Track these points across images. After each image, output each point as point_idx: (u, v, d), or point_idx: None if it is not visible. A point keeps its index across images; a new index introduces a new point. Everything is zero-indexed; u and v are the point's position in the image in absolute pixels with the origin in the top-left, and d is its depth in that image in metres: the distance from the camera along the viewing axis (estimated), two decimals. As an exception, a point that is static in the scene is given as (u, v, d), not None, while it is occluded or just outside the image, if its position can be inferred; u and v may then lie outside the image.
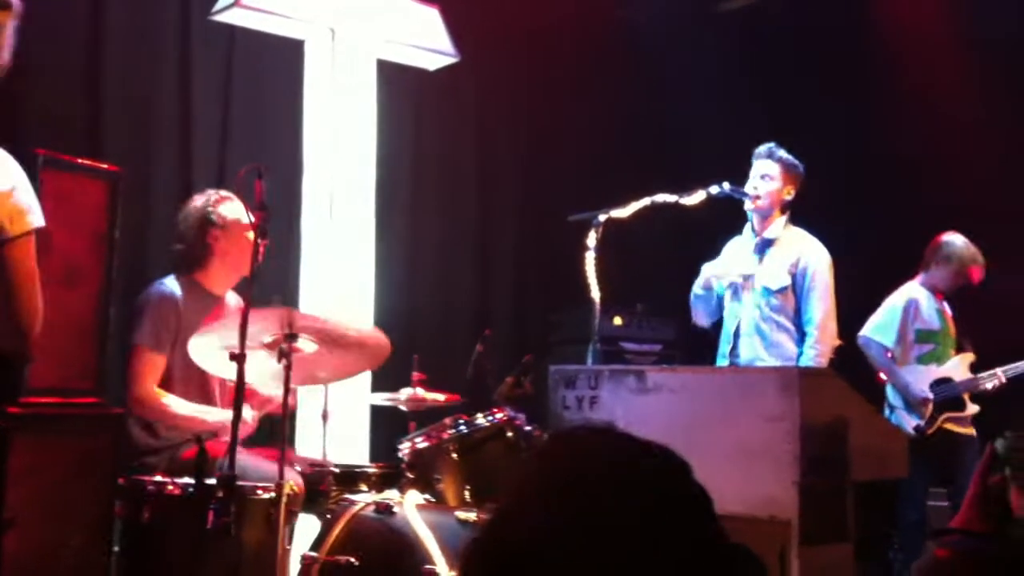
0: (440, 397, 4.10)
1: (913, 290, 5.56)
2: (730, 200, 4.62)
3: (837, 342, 4.58)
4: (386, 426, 5.04)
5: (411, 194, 6.30)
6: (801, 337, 4.56)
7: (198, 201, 4.00)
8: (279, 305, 3.28)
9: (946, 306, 5.57)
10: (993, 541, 1.69)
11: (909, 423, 5.36)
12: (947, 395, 5.37)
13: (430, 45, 5.67)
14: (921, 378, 5.42)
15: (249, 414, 3.75)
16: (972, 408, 5.38)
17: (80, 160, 4.42)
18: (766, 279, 4.64)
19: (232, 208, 3.87)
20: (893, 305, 5.55)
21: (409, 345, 5.36)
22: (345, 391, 4.92)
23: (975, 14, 6.25)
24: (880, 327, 5.53)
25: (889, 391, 5.50)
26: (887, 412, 5.46)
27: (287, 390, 3.08)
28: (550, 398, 4.00)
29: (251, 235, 3.77)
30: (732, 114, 6.80)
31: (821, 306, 4.55)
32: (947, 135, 6.18)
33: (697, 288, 4.86)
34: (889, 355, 5.50)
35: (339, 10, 5.32)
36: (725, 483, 3.39)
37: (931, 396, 5.36)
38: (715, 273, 4.75)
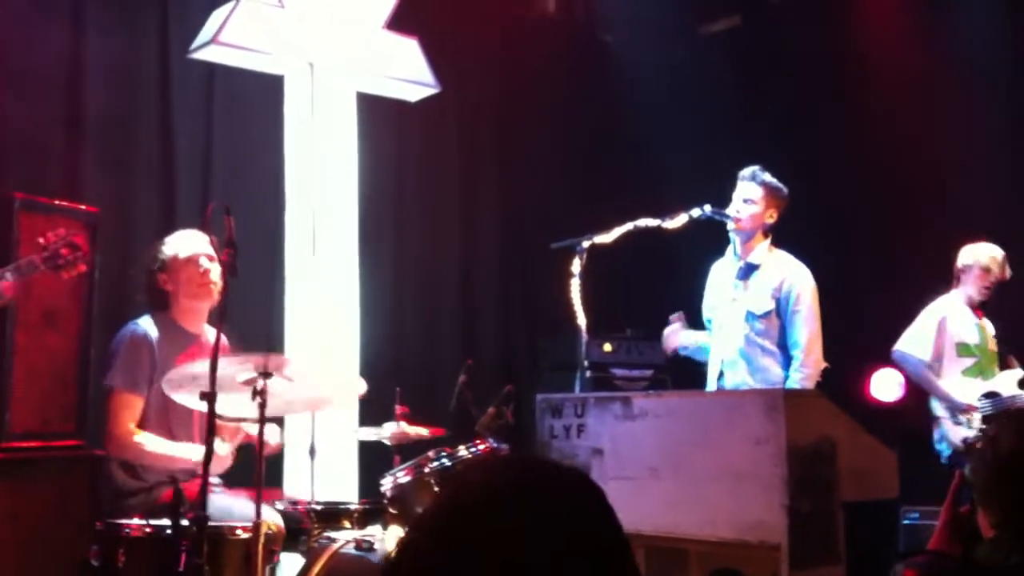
0: (424, 431, 4.06)
1: (945, 305, 5.46)
2: (713, 222, 4.60)
3: (823, 365, 4.53)
4: (375, 461, 5.00)
5: (394, 224, 6.28)
6: (787, 360, 4.53)
7: (152, 250, 3.96)
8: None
9: (987, 323, 5.46)
10: (959, 561, 1.66)
11: (956, 435, 5.22)
12: (995, 409, 5.19)
13: (410, 77, 5.66)
14: (965, 389, 5.29)
15: (224, 448, 3.70)
16: None
17: (57, 202, 4.43)
18: (750, 304, 4.60)
19: (170, 246, 3.85)
20: (925, 319, 5.45)
21: (396, 377, 5.33)
22: (332, 428, 4.88)
23: (955, 35, 6.26)
24: (913, 339, 5.43)
25: (933, 403, 5.35)
26: (933, 427, 5.32)
27: (262, 427, 3.04)
28: (537, 427, 3.96)
29: (202, 262, 3.76)
30: (714, 137, 6.79)
31: (806, 329, 4.51)
32: (933, 152, 6.15)
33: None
34: (927, 367, 5.39)
35: (317, 45, 5.32)
36: (714, 507, 3.39)
37: (976, 405, 5.22)
38: (679, 344, 4.84)
